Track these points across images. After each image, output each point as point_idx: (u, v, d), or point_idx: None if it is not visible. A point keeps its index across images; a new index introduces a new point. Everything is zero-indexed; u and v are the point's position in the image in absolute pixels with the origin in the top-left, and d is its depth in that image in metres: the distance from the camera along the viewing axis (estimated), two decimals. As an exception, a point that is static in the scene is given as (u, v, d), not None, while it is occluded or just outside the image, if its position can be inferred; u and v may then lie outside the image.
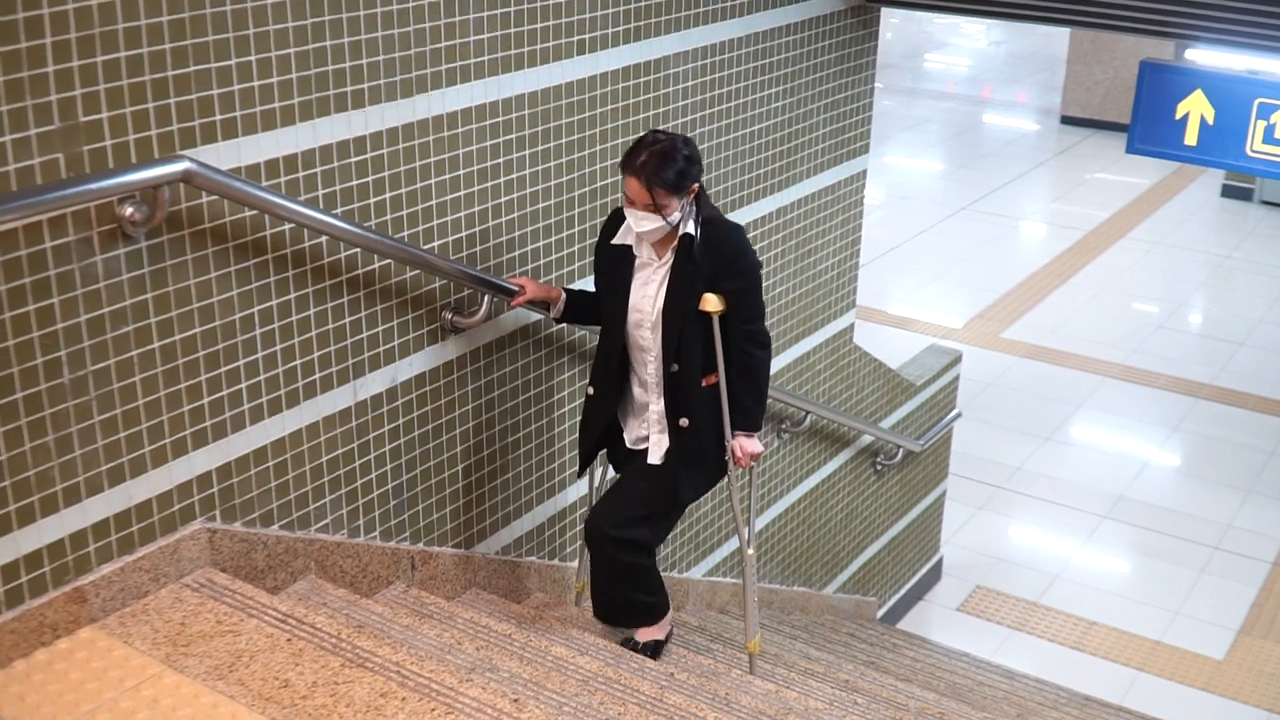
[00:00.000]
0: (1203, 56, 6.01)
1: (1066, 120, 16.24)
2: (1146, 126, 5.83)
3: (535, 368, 4.40)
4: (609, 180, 4.44)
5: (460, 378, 4.10)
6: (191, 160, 3.05)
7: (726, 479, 4.15)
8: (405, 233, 3.77)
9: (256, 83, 3.25)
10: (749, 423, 4.03)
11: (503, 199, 4.07)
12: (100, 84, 2.93)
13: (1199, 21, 5.39)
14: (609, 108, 4.37)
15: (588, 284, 4.33)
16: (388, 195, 3.70)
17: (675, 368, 3.88)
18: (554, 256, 4.34)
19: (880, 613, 7.15)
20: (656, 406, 3.97)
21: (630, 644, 4.24)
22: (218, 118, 3.19)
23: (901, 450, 6.70)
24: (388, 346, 3.82)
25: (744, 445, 4.04)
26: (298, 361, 3.56)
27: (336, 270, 3.61)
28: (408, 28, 3.60)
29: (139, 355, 3.16)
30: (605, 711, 3.31)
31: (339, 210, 3.55)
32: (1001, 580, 7.68)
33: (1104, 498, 8.48)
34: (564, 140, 4.23)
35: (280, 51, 3.29)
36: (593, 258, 4.13)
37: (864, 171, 5.97)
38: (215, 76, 3.16)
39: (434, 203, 3.84)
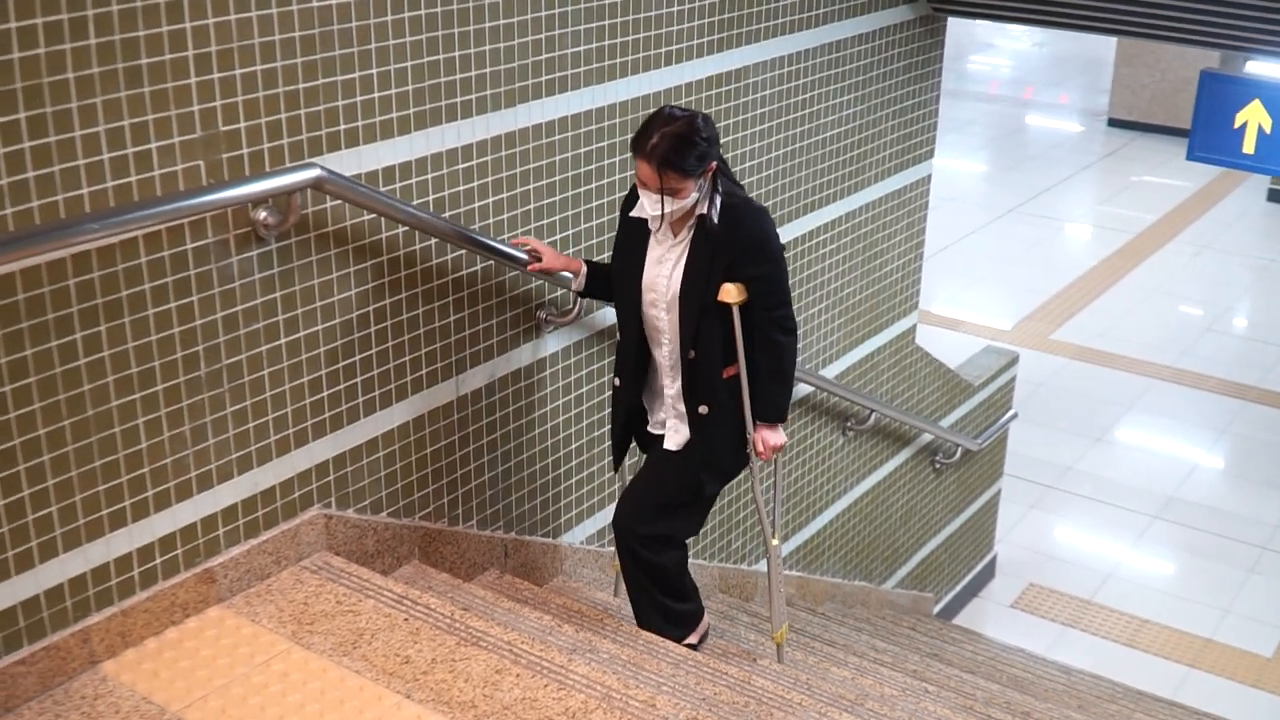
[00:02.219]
0: (1261, 68, 6.13)
1: (1114, 123, 16.30)
2: (1206, 134, 5.97)
3: (620, 365, 4.58)
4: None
5: (552, 374, 4.29)
6: (322, 167, 3.25)
7: (748, 470, 3.95)
8: (507, 235, 3.96)
9: (377, 94, 3.45)
10: (774, 412, 3.82)
11: (594, 203, 4.25)
12: (239, 95, 3.12)
13: (1261, 34, 5.52)
14: (693, 116, 4.54)
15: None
16: (490, 200, 3.88)
17: (692, 354, 3.70)
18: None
19: (936, 609, 7.30)
20: (671, 390, 3.81)
21: None
22: (341, 127, 3.38)
23: (960, 449, 6.85)
24: (487, 344, 4.01)
25: (766, 438, 3.83)
26: (407, 358, 3.75)
27: (443, 271, 3.80)
28: (511, 42, 3.79)
29: (267, 351, 3.36)
30: (701, 691, 3.49)
31: (446, 214, 3.74)
32: (1054, 578, 7.82)
33: (1154, 498, 8.59)
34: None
35: (398, 65, 3.48)
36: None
37: (929, 176, 6.12)
38: (340, 89, 3.35)
39: (531, 206, 4.03)
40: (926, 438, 6.68)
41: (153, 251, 3.04)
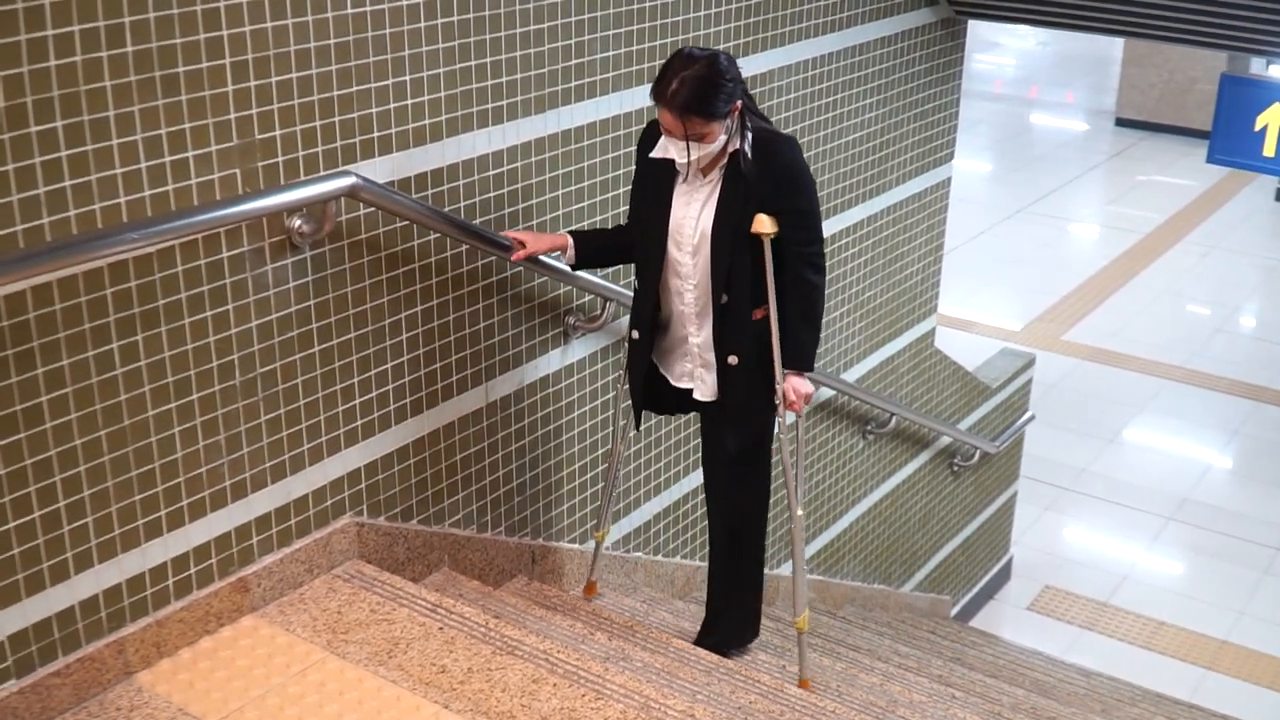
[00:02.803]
0: (1282, 72, 6.14)
1: (1121, 122, 16.28)
2: (1226, 138, 5.96)
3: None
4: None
5: (579, 379, 4.27)
6: (357, 175, 3.23)
7: (778, 427, 3.77)
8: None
9: (410, 101, 3.43)
10: (803, 360, 3.64)
11: (624, 207, 4.23)
12: (274, 103, 3.11)
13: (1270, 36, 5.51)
14: (719, 120, 4.53)
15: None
16: (520, 206, 3.87)
17: (725, 299, 3.54)
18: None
19: (953, 611, 7.29)
20: (696, 339, 3.65)
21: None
22: (375, 135, 3.37)
23: (978, 451, 6.84)
24: (516, 350, 4.00)
25: (796, 386, 3.65)
26: (437, 365, 3.74)
27: (473, 278, 3.78)
28: (542, 47, 3.77)
29: (301, 359, 3.34)
30: (736, 700, 3.48)
31: (478, 220, 3.72)
32: (1070, 580, 7.81)
33: (1168, 499, 8.58)
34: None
35: (430, 71, 3.47)
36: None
37: (949, 179, 6.11)
38: (374, 96, 3.34)
39: (561, 212, 4.01)
40: (945, 440, 6.67)
41: (189, 260, 3.03)
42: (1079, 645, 7.19)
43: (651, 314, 3.66)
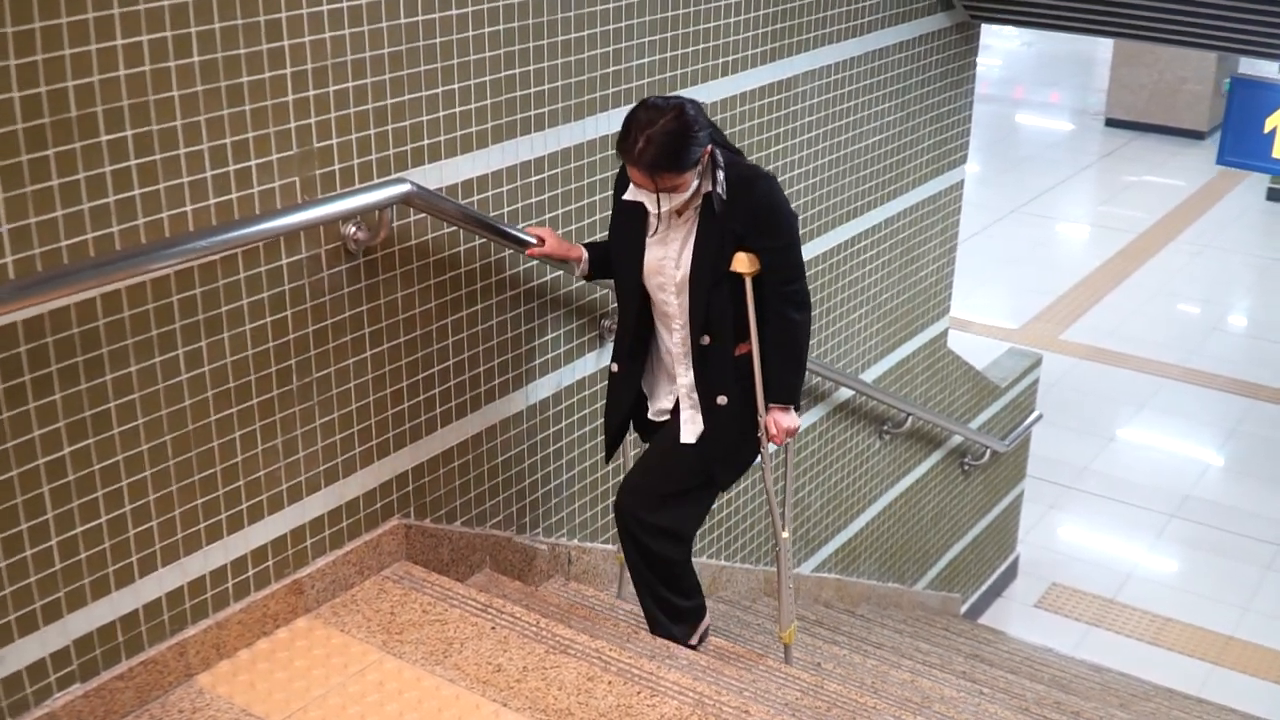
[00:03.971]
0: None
1: (1111, 122, 16.39)
2: (1236, 139, 6.05)
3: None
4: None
5: (614, 382, 4.32)
6: (411, 183, 3.28)
7: (759, 458, 3.74)
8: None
9: (458, 109, 3.48)
10: (787, 394, 3.60)
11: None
12: (332, 112, 3.16)
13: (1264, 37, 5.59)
14: (749, 124, 4.59)
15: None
16: (560, 211, 3.92)
17: (706, 340, 3.50)
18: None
19: (963, 609, 7.36)
20: (685, 379, 3.60)
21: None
22: (425, 142, 3.42)
23: (989, 451, 6.91)
24: (555, 354, 4.05)
25: (778, 420, 3.59)
26: (481, 368, 3.79)
27: (515, 283, 3.83)
28: (581, 55, 3.82)
29: (354, 364, 3.39)
30: (783, 697, 3.54)
31: (520, 225, 3.77)
32: (1076, 578, 7.89)
33: (1170, 497, 8.68)
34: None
35: (477, 80, 3.52)
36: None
37: (962, 181, 6.18)
38: (425, 104, 3.38)
39: (598, 217, 4.06)
40: (956, 440, 6.74)
41: (250, 267, 3.07)
42: (1087, 642, 7.27)
43: (634, 347, 3.63)
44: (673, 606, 3.83)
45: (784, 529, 3.90)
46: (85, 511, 2.86)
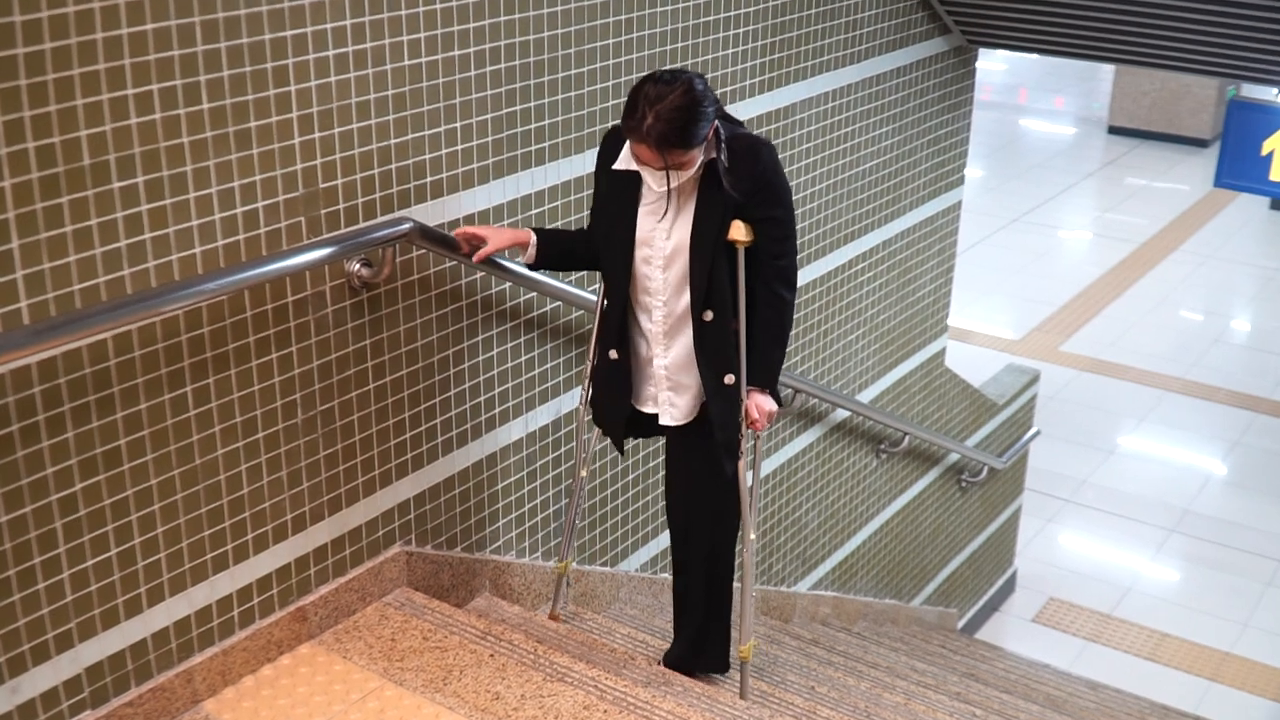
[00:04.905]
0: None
1: (1114, 130, 16.45)
2: (1234, 161, 6.11)
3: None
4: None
5: (613, 409, 4.40)
6: (413, 221, 3.36)
7: (740, 447, 3.54)
8: (574, 277, 4.07)
9: (459, 146, 3.57)
10: (770, 377, 3.47)
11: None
12: (337, 153, 3.24)
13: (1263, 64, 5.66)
14: (746, 155, 4.66)
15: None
16: (560, 243, 4.00)
17: (709, 315, 3.35)
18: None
19: (960, 624, 7.43)
20: (664, 360, 3.46)
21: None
22: (428, 179, 3.50)
23: (986, 467, 6.98)
24: (554, 382, 4.13)
25: (760, 403, 3.46)
26: (482, 398, 3.87)
27: (515, 314, 3.91)
28: (581, 90, 3.90)
29: (357, 396, 3.47)
30: (776, 724, 3.61)
31: (520, 259, 3.85)
32: (1074, 592, 7.96)
33: (1169, 511, 8.74)
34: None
35: (479, 117, 3.60)
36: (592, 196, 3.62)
37: (960, 202, 6.25)
38: (427, 143, 3.46)
39: (597, 248, 4.14)
40: (954, 457, 6.81)
41: (257, 305, 3.15)
42: (1085, 657, 7.34)
43: (621, 330, 3.49)
44: (730, 637, 3.83)
45: (751, 531, 3.70)
46: (96, 545, 2.94)
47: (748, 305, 3.39)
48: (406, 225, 3.33)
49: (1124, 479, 9.11)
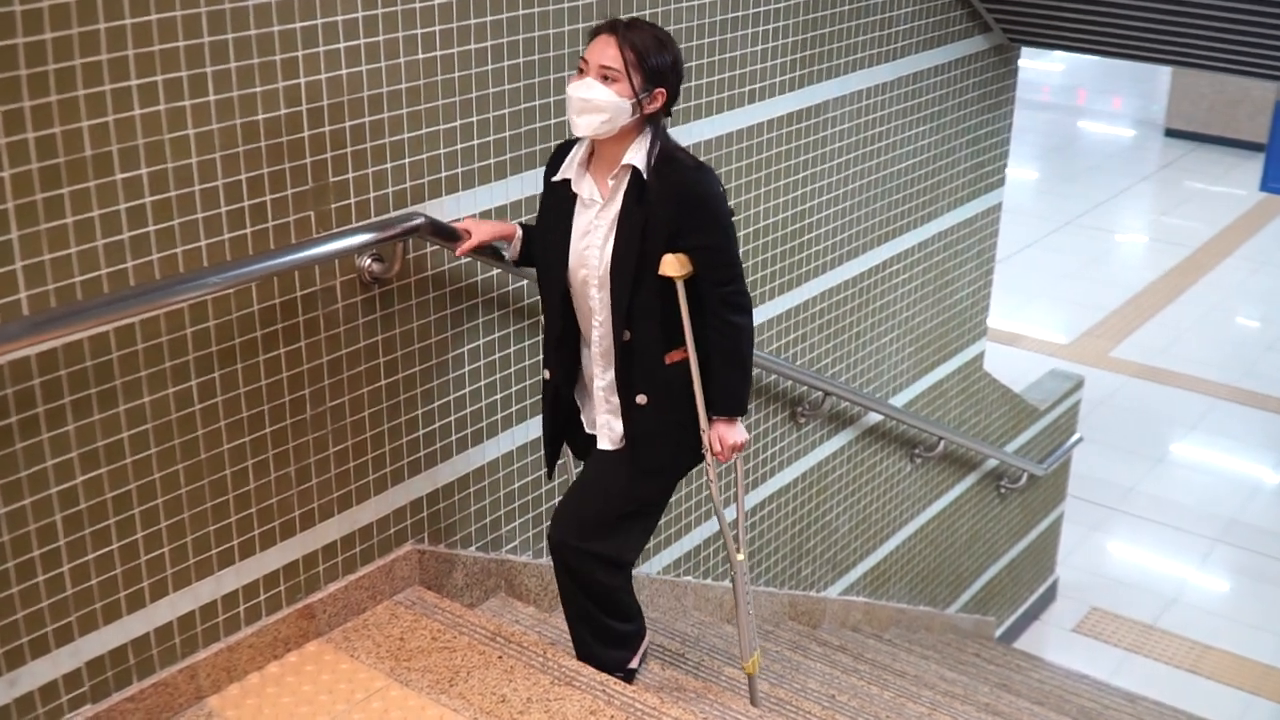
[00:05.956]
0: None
1: (1171, 133, 16.19)
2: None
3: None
4: (777, 217, 4.67)
5: (635, 409, 4.35)
6: (425, 216, 3.32)
7: (704, 476, 3.37)
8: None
9: (476, 142, 3.53)
10: (732, 405, 3.29)
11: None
12: (348, 147, 3.21)
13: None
14: (776, 150, 4.60)
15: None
16: (580, 240, 3.95)
17: (627, 336, 3.20)
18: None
19: (998, 632, 7.32)
20: (603, 381, 3.31)
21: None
22: (443, 174, 3.46)
23: (1025, 474, 6.87)
24: (574, 380, 4.08)
25: (723, 435, 3.30)
26: (498, 395, 3.83)
27: (533, 312, 3.86)
28: (604, 85, 3.84)
29: (368, 392, 3.44)
30: (788, 733, 3.55)
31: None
32: (1116, 602, 7.81)
33: (1216, 521, 8.57)
34: (739, 182, 4.46)
35: (497, 112, 3.55)
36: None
37: (1000, 204, 6.14)
38: (443, 138, 3.43)
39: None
40: (992, 463, 6.70)
41: (264, 300, 3.12)
42: (1125, 668, 7.20)
43: (560, 350, 3.35)
44: (611, 632, 3.56)
45: (739, 551, 3.57)
46: (97, 539, 2.93)
47: (698, 337, 3.24)
48: (418, 220, 3.29)
49: (1171, 487, 8.94)
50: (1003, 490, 6.88)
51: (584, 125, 3.06)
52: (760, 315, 4.77)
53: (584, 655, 3.58)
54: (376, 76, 3.22)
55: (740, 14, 4.26)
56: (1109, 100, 18.32)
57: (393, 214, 3.33)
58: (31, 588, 2.84)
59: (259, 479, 3.23)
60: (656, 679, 3.70)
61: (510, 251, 3.45)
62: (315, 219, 3.18)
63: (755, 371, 4.74)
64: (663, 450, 3.34)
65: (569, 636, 3.72)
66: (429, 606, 3.62)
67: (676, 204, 3.10)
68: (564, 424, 3.46)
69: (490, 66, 3.50)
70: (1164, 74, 17.08)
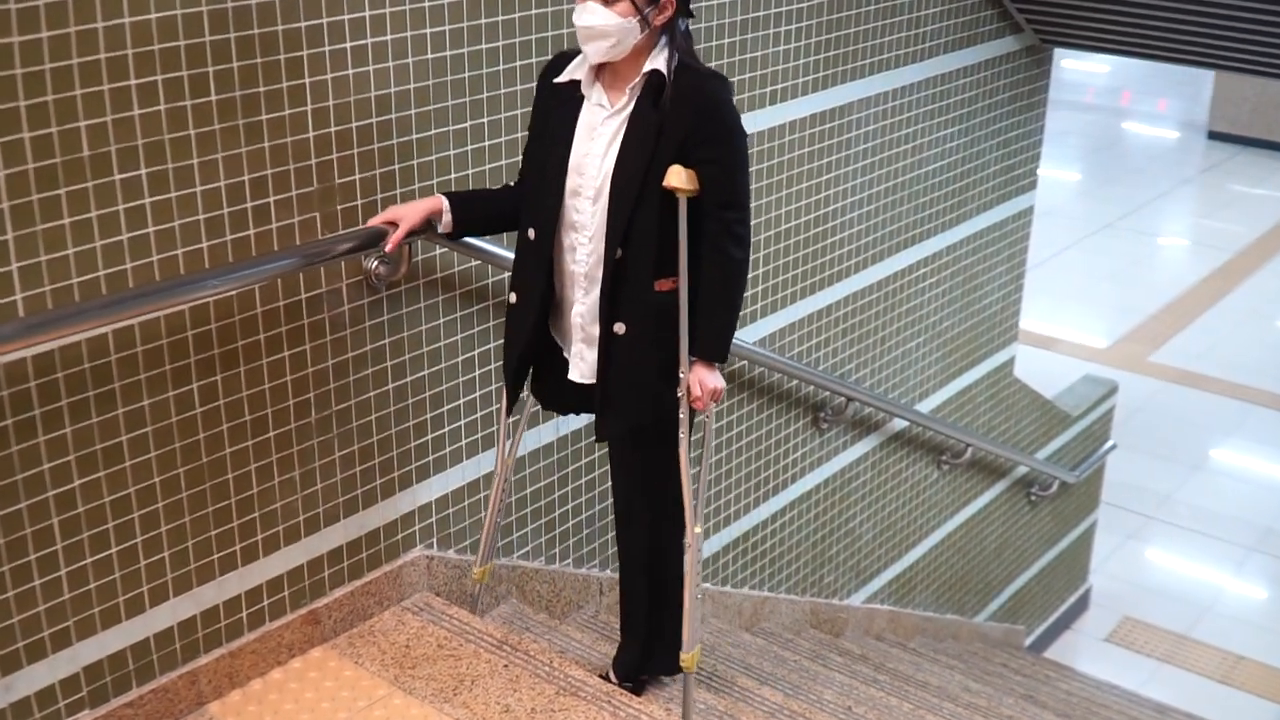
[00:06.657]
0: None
1: (1214, 135, 15.96)
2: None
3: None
4: (801, 220, 4.60)
5: (651, 413, 4.29)
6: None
7: (679, 427, 3.13)
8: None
9: (487, 143, 3.48)
10: (715, 349, 3.05)
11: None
12: (354, 148, 3.16)
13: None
14: (799, 153, 4.52)
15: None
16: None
17: (619, 253, 2.96)
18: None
19: (1028, 641, 7.21)
20: (581, 305, 3.08)
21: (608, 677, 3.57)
22: (452, 176, 3.41)
23: (1057, 481, 6.76)
24: (588, 385, 4.02)
25: (703, 379, 3.04)
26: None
27: (547, 314, 3.81)
28: (620, 85, 3.79)
29: (375, 396, 3.39)
30: (799, 747, 3.48)
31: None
32: (1149, 611, 7.69)
33: (1253, 529, 8.42)
34: (762, 184, 4.39)
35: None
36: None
37: (1031, 208, 6.04)
38: (452, 139, 3.38)
39: (635, 249, 4.03)
40: (1022, 470, 6.60)
41: (268, 302, 3.08)
42: (1157, 679, 7.08)
43: (540, 271, 3.07)
44: (672, 632, 3.35)
45: (695, 524, 3.23)
46: (95, 542, 2.89)
47: (691, 269, 2.98)
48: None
49: (1208, 494, 8.79)
50: (1033, 498, 6.77)
51: (594, 53, 2.89)
52: (782, 319, 4.70)
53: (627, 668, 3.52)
54: (384, 76, 3.17)
55: (763, 13, 4.19)
56: (1154, 102, 18.08)
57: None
58: (28, 592, 2.81)
59: (262, 483, 3.19)
60: (665, 691, 3.64)
61: (442, 225, 3.16)
62: (321, 220, 3.13)
63: (775, 376, 4.71)
64: (633, 385, 3.08)
65: (578, 644, 3.67)
66: (436, 613, 3.58)
67: (693, 110, 2.90)
68: (526, 356, 3.19)
69: (502, 67, 3.45)
70: (1207, 76, 16.82)
